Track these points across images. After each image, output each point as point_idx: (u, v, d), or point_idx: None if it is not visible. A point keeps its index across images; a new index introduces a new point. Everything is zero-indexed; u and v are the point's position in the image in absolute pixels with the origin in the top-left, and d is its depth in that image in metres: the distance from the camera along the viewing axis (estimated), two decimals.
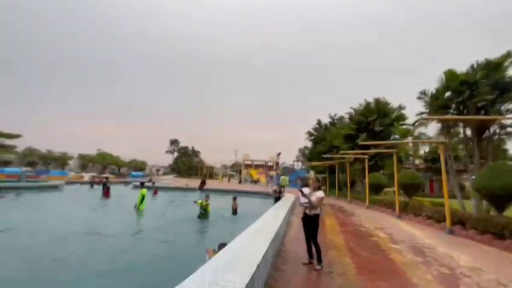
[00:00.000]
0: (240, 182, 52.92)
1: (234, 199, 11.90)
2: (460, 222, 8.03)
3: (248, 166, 78.08)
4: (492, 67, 7.97)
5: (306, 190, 5.21)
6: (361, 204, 16.49)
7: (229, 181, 60.04)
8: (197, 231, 9.10)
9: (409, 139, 19.25)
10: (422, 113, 10.73)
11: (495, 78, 7.94)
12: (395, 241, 6.86)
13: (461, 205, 9.32)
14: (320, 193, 4.94)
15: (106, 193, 16.31)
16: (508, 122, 8.27)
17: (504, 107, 8.25)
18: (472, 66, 8.64)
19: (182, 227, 9.10)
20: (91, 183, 24.62)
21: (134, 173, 57.94)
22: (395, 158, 12.26)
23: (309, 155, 29.21)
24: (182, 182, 33.93)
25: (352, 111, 19.69)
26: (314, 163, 26.63)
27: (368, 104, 18.39)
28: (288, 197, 14.78)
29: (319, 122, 29.02)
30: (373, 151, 15.06)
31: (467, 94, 8.60)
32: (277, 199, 16.15)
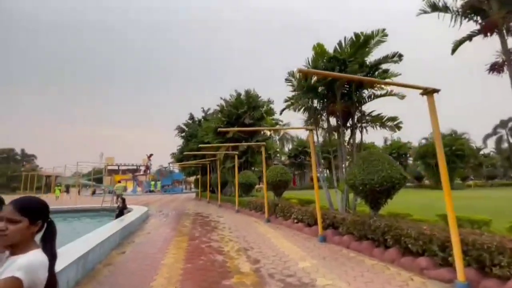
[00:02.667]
0: (93, 193, 41.20)
1: None
2: (332, 224, 6.62)
3: (114, 172, 64.21)
4: (360, 44, 7.06)
5: None
6: (232, 208, 14.29)
7: (79, 193, 46.05)
8: None
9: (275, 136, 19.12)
10: (290, 98, 9.28)
11: (362, 56, 7.08)
12: (261, 279, 4.23)
13: (329, 201, 8.29)
14: (18, 265, 1.23)
15: None
16: (368, 111, 7.76)
17: (366, 93, 7.66)
18: (339, 43, 7.61)
19: None
20: None
21: None
22: (263, 152, 10.47)
23: (179, 154, 25.12)
24: None
25: (223, 102, 17.47)
26: (185, 163, 22.91)
27: (239, 95, 16.66)
28: (130, 216, 10.29)
29: (191, 117, 25.48)
30: (243, 143, 12.96)
31: (336, 72, 7.43)
32: (120, 214, 11.37)
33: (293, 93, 9.24)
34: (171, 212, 14.40)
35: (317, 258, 5.25)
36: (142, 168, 60.89)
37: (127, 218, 9.29)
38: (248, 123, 15.13)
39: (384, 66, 7.44)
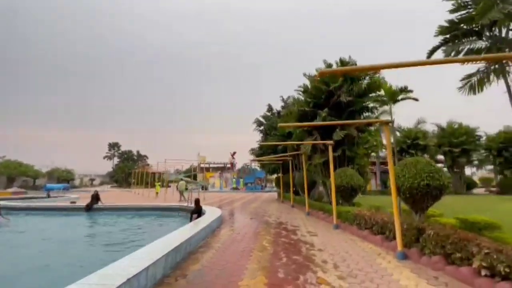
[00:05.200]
0: (186, 189, 44.55)
1: None
2: None
3: (205, 170, 69.70)
4: None
5: None
6: (326, 220, 10.45)
7: (177, 189, 51.10)
8: None
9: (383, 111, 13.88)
10: (451, 24, 4.77)
11: None
12: None
13: None
14: None
15: None
16: None
17: None
18: None
19: None
20: None
21: (50, 185, 45.59)
22: (387, 133, 6.20)
23: (258, 150, 22.84)
24: (113, 194, 25.23)
25: (306, 80, 13.67)
26: (264, 158, 20.30)
27: (329, 66, 12.48)
28: (194, 227, 7.96)
29: (270, 108, 22.80)
30: (340, 122, 8.81)
31: None
32: (198, 215, 9.55)
33: (456, 14, 4.71)
34: (249, 216, 11.83)
35: None
36: (228, 166, 63.69)
37: (190, 231, 6.93)
38: (346, 101, 10.89)
39: None
